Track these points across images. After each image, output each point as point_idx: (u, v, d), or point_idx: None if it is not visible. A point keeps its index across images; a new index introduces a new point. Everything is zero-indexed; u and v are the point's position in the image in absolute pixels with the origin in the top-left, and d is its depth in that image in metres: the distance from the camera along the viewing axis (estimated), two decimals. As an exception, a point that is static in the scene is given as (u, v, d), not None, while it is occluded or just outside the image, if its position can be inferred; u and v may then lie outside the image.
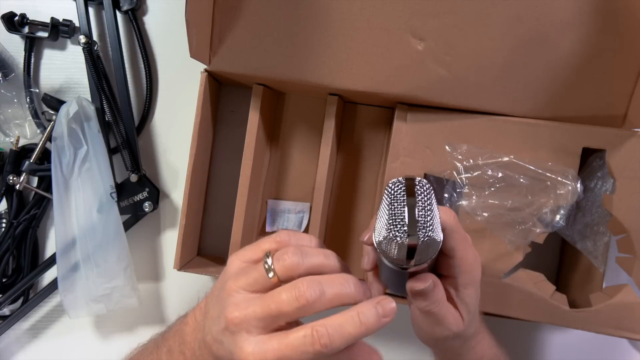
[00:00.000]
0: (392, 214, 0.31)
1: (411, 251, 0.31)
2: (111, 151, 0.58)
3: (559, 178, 0.46)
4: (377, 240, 0.33)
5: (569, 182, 0.46)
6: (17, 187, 0.56)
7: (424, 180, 0.32)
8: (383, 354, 0.63)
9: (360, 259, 0.48)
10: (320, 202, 0.53)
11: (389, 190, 0.32)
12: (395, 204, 0.31)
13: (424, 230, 0.31)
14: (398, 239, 0.31)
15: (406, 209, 0.31)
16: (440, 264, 0.37)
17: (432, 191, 0.32)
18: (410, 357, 0.60)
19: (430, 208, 0.31)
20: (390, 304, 0.32)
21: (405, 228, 0.31)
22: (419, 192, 0.31)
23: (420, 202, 0.31)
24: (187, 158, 0.52)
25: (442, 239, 0.33)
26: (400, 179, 0.32)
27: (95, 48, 0.57)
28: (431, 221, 0.31)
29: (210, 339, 0.33)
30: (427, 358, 0.61)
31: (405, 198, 0.31)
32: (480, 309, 0.48)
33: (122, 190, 0.58)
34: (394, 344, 0.60)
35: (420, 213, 0.31)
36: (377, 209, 0.34)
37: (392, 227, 0.31)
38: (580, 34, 0.46)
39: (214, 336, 0.33)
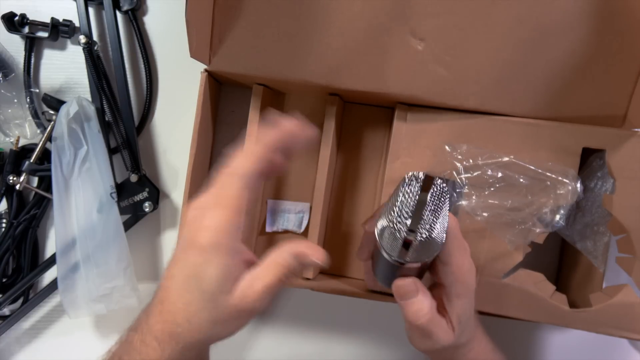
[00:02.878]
0: (400, 205, 0.31)
1: (406, 245, 0.31)
2: (111, 151, 0.58)
3: (559, 178, 0.46)
4: (378, 227, 0.33)
5: (569, 182, 0.46)
6: (17, 187, 0.56)
7: (443, 182, 0.32)
8: (381, 353, 0.63)
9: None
10: (320, 202, 0.53)
11: (406, 181, 0.32)
12: (407, 196, 0.31)
13: (424, 231, 0.31)
14: (397, 232, 0.31)
15: (416, 203, 0.31)
16: (436, 270, 0.37)
17: (448, 195, 0.32)
18: (409, 357, 0.60)
19: (439, 210, 0.31)
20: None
21: (408, 222, 0.31)
22: (434, 192, 0.31)
23: (431, 202, 0.31)
24: (187, 158, 0.52)
25: (442, 243, 0.33)
26: (419, 173, 0.32)
27: (95, 48, 0.57)
28: (435, 223, 0.31)
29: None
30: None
31: (419, 193, 0.31)
32: (478, 311, 0.48)
33: (122, 190, 0.58)
34: (392, 343, 0.60)
35: (428, 213, 0.31)
36: (378, 207, 0.34)
37: (395, 217, 0.31)
38: (580, 34, 0.46)
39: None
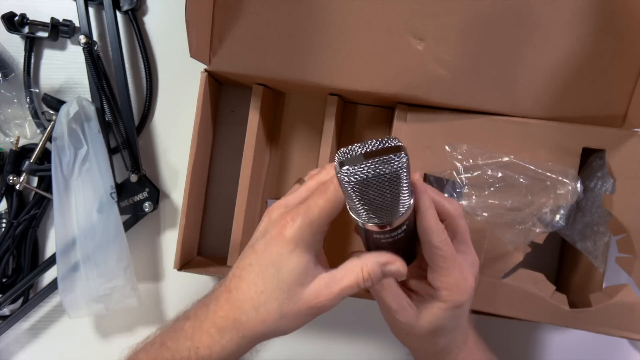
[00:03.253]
0: (354, 148, 0.31)
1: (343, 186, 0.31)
2: (111, 151, 0.58)
3: (559, 178, 0.46)
4: None
5: (569, 182, 0.46)
6: (17, 187, 0.56)
7: (406, 159, 0.30)
8: (381, 353, 0.62)
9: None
10: (320, 202, 0.53)
11: (382, 138, 0.31)
12: (366, 145, 0.30)
13: (350, 173, 0.29)
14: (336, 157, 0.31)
15: (365, 152, 0.30)
16: (430, 273, 0.37)
17: (405, 171, 0.30)
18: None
19: (380, 170, 0.29)
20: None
21: (344, 158, 0.30)
22: (391, 157, 0.30)
23: (378, 163, 0.29)
24: (187, 158, 0.52)
25: (398, 214, 0.32)
26: (396, 140, 0.31)
27: (96, 48, 0.57)
28: (369, 173, 0.29)
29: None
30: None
31: (375, 147, 0.30)
32: (479, 311, 0.48)
33: (122, 190, 0.58)
34: (392, 343, 0.60)
35: (371, 166, 0.29)
36: None
37: (345, 152, 0.31)
38: (580, 34, 0.46)
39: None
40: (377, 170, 0.29)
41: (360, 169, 0.30)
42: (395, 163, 0.30)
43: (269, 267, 0.34)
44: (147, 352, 0.37)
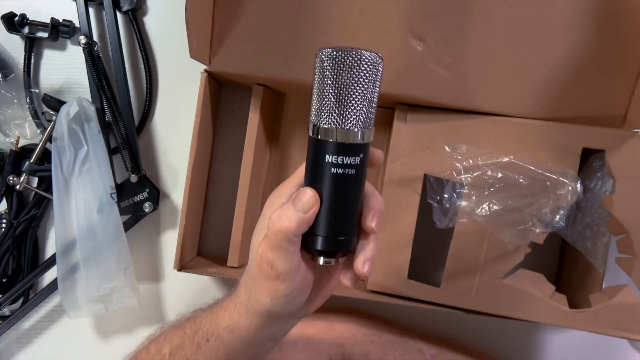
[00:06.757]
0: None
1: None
2: (111, 151, 0.58)
3: (559, 178, 0.46)
4: None
5: (568, 183, 0.46)
6: (17, 187, 0.56)
7: (382, 64, 0.33)
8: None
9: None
10: (320, 203, 0.53)
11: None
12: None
13: (331, 49, 0.32)
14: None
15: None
16: None
17: (378, 63, 0.33)
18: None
19: (359, 54, 0.33)
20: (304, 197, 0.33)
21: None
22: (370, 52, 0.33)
23: (357, 50, 0.33)
24: (187, 158, 0.52)
25: (367, 127, 0.33)
26: (376, 57, 0.33)
27: (96, 48, 0.57)
28: (347, 52, 0.32)
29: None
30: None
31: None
32: (478, 311, 0.48)
33: (122, 190, 0.58)
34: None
35: (351, 49, 0.32)
36: None
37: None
38: (580, 34, 0.46)
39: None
40: (356, 53, 0.32)
41: (340, 49, 0.32)
42: (373, 56, 0.33)
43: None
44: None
